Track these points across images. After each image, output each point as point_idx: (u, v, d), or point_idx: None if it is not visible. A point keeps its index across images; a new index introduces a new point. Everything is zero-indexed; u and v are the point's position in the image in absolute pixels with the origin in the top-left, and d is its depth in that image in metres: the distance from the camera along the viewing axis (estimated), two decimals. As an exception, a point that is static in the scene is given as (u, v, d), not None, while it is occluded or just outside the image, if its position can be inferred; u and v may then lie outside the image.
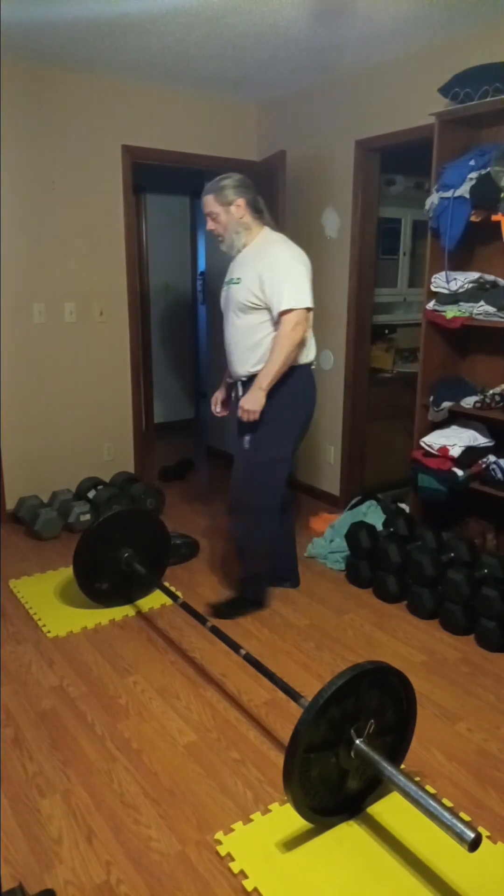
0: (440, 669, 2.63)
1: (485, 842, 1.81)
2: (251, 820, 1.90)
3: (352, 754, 1.79)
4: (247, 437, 2.78)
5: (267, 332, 2.73)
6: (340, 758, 1.79)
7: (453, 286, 3.15)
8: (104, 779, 2.05)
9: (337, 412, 4.29)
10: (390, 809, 1.92)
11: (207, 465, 5.45)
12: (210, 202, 2.77)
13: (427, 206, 3.16)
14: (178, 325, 6.62)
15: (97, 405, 4.27)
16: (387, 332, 4.72)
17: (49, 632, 2.87)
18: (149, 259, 6.25)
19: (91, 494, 4.00)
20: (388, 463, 4.53)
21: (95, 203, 4.00)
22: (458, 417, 3.38)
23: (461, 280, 3.13)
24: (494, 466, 3.13)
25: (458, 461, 3.20)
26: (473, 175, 2.92)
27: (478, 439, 3.25)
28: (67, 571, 3.34)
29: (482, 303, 3.03)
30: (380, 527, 3.44)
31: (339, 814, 1.89)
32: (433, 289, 3.26)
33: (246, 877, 1.72)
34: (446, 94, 3.04)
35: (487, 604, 2.72)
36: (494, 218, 2.91)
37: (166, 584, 3.01)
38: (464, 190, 2.95)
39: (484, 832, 1.86)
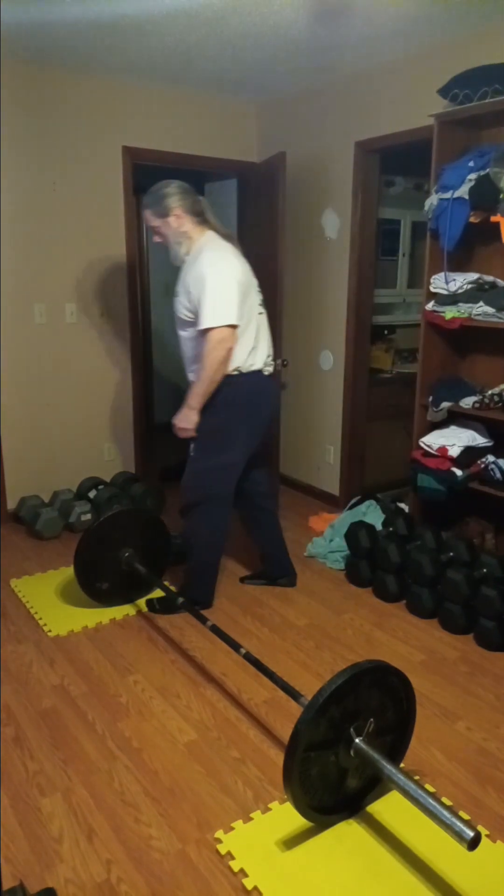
0: (439, 669, 2.64)
1: (484, 840, 1.82)
2: (251, 818, 1.91)
3: (351, 753, 1.79)
4: (192, 444, 2.81)
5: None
6: (340, 757, 1.80)
7: (452, 287, 3.15)
8: (105, 777, 2.06)
9: (337, 412, 4.30)
10: (390, 808, 1.93)
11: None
12: (148, 216, 2.77)
13: (426, 207, 3.16)
14: (178, 325, 6.61)
15: (98, 405, 4.27)
16: (386, 332, 4.73)
17: (50, 631, 2.88)
18: (149, 259, 6.25)
19: (92, 494, 4.01)
20: (388, 463, 4.54)
21: (96, 204, 4.01)
22: (457, 417, 3.39)
23: (460, 281, 3.14)
24: (493, 466, 3.14)
25: (457, 461, 3.21)
26: (472, 176, 2.93)
27: (477, 439, 3.26)
28: (68, 571, 3.35)
29: (481, 303, 3.04)
30: (379, 526, 3.44)
31: (339, 812, 1.89)
32: (432, 289, 3.26)
33: (246, 875, 1.73)
34: (445, 96, 3.05)
35: (487, 603, 2.73)
36: (493, 219, 2.92)
37: (166, 583, 3.02)
38: (463, 191, 2.95)
39: (483, 831, 1.86)
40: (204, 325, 2.60)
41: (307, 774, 1.76)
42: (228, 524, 2.98)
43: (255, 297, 2.81)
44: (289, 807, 1.83)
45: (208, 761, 2.13)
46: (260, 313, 2.84)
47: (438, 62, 3.27)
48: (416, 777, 2.00)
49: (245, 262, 2.78)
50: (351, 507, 3.94)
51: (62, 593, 3.21)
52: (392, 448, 4.54)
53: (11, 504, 4.05)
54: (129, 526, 3.00)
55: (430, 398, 3.35)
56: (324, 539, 3.71)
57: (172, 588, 2.98)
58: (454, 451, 3.21)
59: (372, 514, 3.69)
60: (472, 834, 1.52)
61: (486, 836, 1.85)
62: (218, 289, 2.59)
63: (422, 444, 3.36)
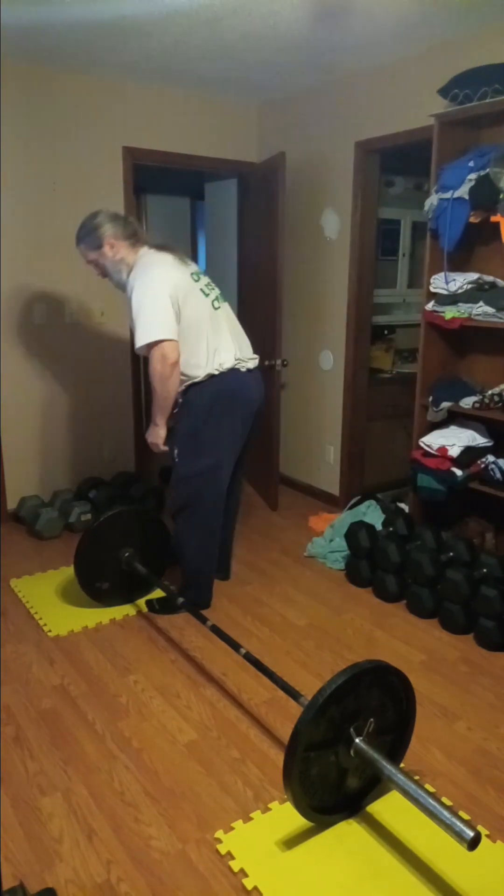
0: (439, 669, 2.64)
1: (484, 840, 1.82)
2: (251, 818, 1.91)
3: (351, 753, 1.79)
4: (175, 451, 2.81)
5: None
6: (340, 756, 1.80)
7: (452, 287, 3.15)
8: (105, 777, 2.06)
9: (337, 412, 4.30)
10: (390, 808, 1.93)
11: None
12: (83, 252, 2.77)
13: (426, 208, 3.16)
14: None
15: (98, 405, 4.27)
16: (386, 332, 4.72)
17: (50, 631, 2.88)
18: (149, 259, 6.24)
19: (92, 494, 4.00)
20: (388, 463, 4.54)
21: (96, 204, 3.96)
22: (456, 417, 3.39)
23: (460, 281, 3.14)
24: (493, 466, 3.14)
25: (457, 461, 3.21)
26: (472, 176, 2.93)
27: (477, 439, 3.26)
28: (68, 571, 3.35)
29: (481, 303, 3.04)
30: (379, 526, 3.44)
31: (339, 812, 1.89)
32: (432, 289, 3.26)
33: (246, 875, 1.73)
34: (445, 96, 3.05)
35: (486, 603, 2.73)
36: (493, 219, 2.92)
37: (166, 583, 3.02)
38: (463, 191, 2.95)
39: (483, 831, 1.86)
40: (137, 344, 2.59)
41: (307, 774, 1.76)
42: (219, 528, 2.98)
43: (206, 297, 2.73)
44: (289, 807, 1.83)
45: (208, 761, 2.13)
46: (217, 308, 2.76)
47: (438, 62, 3.27)
48: (416, 777, 2.00)
49: (185, 266, 2.71)
50: (351, 507, 3.94)
51: (62, 593, 3.21)
52: (392, 448, 4.54)
53: (11, 504, 4.06)
54: (129, 526, 3.00)
55: (430, 398, 3.35)
56: (324, 539, 3.71)
57: (172, 588, 2.98)
58: (454, 451, 3.21)
59: (372, 514, 3.69)
60: (472, 834, 1.52)
61: (486, 836, 1.85)
62: (145, 305, 2.57)
63: (422, 444, 3.36)
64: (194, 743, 2.21)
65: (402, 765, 2.00)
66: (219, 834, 1.86)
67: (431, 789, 2.00)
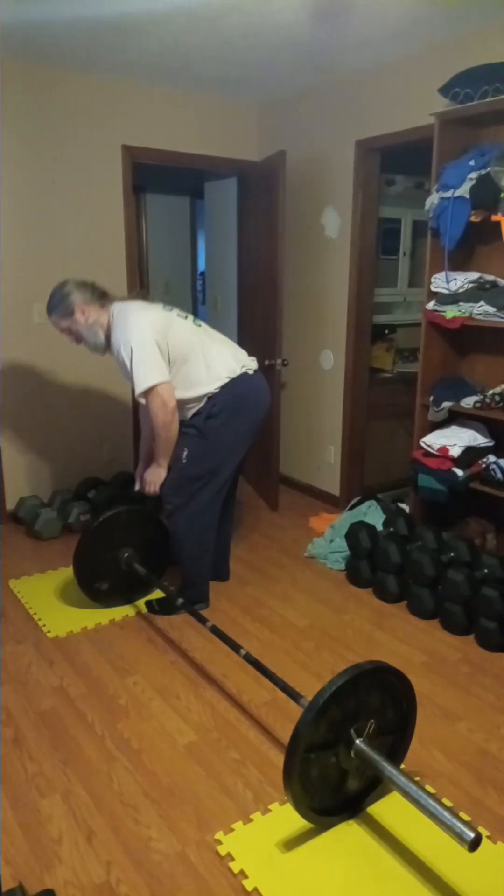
0: (440, 669, 2.63)
1: (485, 842, 1.81)
2: (251, 820, 1.91)
3: (352, 754, 1.79)
4: (184, 451, 2.81)
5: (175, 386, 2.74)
6: (340, 758, 1.79)
7: (453, 286, 3.15)
8: (104, 779, 2.06)
9: (337, 412, 4.29)
10: (390, 809, 1.92)
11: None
12: (56, 322, 2.82)
13: (427, 207, 3.16)
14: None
15: (97, 405, 4.27)
16: (387, 332, 4.72)
17: (49, 632, 2.87)
18: (149, 259, 6.24)
19: (91, 494, 4.00)
20: (388, 463, 4.53)
21: (95, 203, 4.00)
22: (457, 417, 3.38)
23: (461, 280, 3.13)
24: (494, 466, 3.13)
25: (457, 461, 3.20)
26: (473, 175, 2.93)
27: (477, 439, 3.25)
28: (67, 571, 3.34)
29: (482, 303, 3.03)
30: (380, 527, 3.43)
31: (339, 814, 1.89)
32: (433, 289, 3.26)
33: (246, 877, 1.72)
34: (446, 95, 3.04)
35: (487, 604, 2.72)
36: (494, 218, 2.91)
37: (166, 583, 3.01)
38: (464, 190, 2.95)
39: (484, 832, 1.86)
40: (138, 391, 2.66)
41: (307, 775, 1.75)
42: (216, 524, 2.99)
43: (185, 320, 2.80)
44: (289, 808, 1.82)
45: (208, 762, 2.13)
46: (199, 326, 2.84)
47: (438, 62, 3.26)
48: (417, 778, 1.99)
49: (153, 308, 2.76)
50: (351, 508, 3.93)
51: (61, 594, 3.20)
52: (393, 448, 4.54)
53: (10, 504, 4.05)
54: (129, 526, 2.99)
55: (431, 398, 3.34)
56: (324, 539, 3.71)
57: (172, 588, 2.97)
58: (455, 451, 3.21)
59: (372, 514, 3.68)
60: (472, 835, 1.52)
61: (487, 837, 1.84)
62: (134, 354, 2.62)
63: (422, 444, 3.35)
64: (194, 744, 2.21)
65: (402, 766, 1.99)
66: (219, 835, 1.85)
67: (432, 790, 1.99)
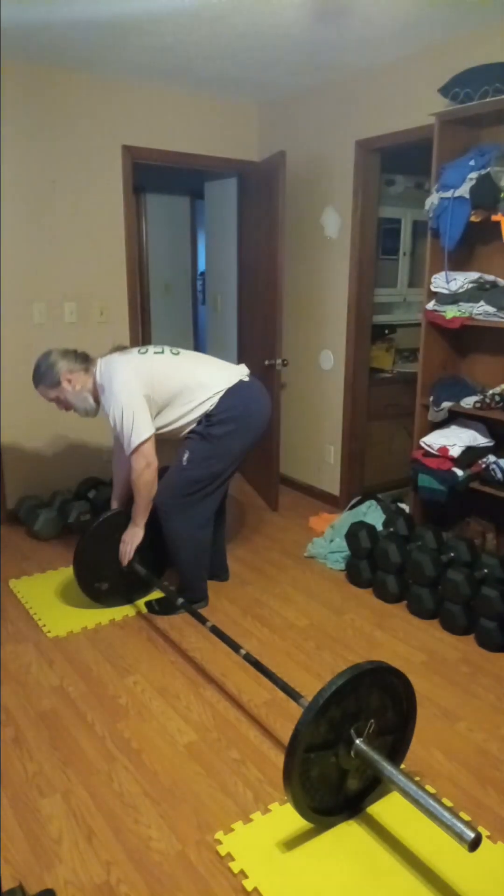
0: (440, 669, 2.63)
1: (485, 841, 1.81)
2: (251, 820, 1.91)
3: (352, 754, 1.79)
4: (185, 454, 2.84)
5: (163, 418, 2.81)
6: (340, 757, 1.79)
7: (453, 286, 3.15)
8: (104, 779, 2.06)
9: (337, 412, 4.29)
10: (390, 809, 1.92)
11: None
12: (44, 392, 2.85)
13: (427, 207, 3.16)
14: (178, 325, 6.62)
15: (97, 405, 4.27)
16: (387, 332, 4.72)
17: (49, 632, 2.87)
18: (149, 259, 6.25)
19: (91, 494, 4.00)
20: (388, 463, 4.53)
21: (95, 203, 4.00)
22: (457, 417, 3.38)
23: (461, 280, 3.13)
24: (494, 466, 3.13)
25: (457, 461, 3.20)
26: (473, 175, 2.93)
27: (478, 439, 3.25)
28: (67, 571, 3.34)
29: (482, 303, 3.03)
30: (380, 527, 3.43)
31: (339, 813, 1.89)
32: (433, 289, 3.26)
33: (246, 876, 1.72)
34: (446, 95, 3.04)
35: (487, 604, 2.72)
36: (494, 218, 2.91)
37: (166, 583, 3.01)
38: (464, 190, 2.95)
39: (484, 832, 1.86)
40: (127, 450, 2.73)
41: (307, 775, 1.75)
42: (212, 527, 3.00)
43: (161, 354, 2.83)
44: (289, 808, 1.82)
45: (208, 762, 2.13)
46: (177, 353, 2.86)
47: (438, 62, 3.26)
48: (417, 778, 1.99)
49: (132, 358, 2.79)
50: (351, 508, 3.93)
51: (61, 594, 3.20)
52: (392, 448, 4.54)
53: (10, 504, 4.05)
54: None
55: (431, 398, 3.34)
56: (324, 539, 3.71)
57: (172, 588, 2.97)
58: (455, 451, 3.21)
59: (372, 514, 3.68)
60: (472, 835, 1.52)
61: (487, 837, 1.84)
62: (126, 413, 2.68)
63: (422, 444, 3.35)
64: (194, 744, 2.21)
65: (402, 766, 1.99)
66: (219, 835, 1.85)
67: (432, 790, 1.99)
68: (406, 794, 1.68)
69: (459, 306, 3.12)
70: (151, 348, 2.86)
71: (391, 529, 3.32)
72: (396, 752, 1.95)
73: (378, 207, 4.05)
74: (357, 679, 1.74)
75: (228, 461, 2.86)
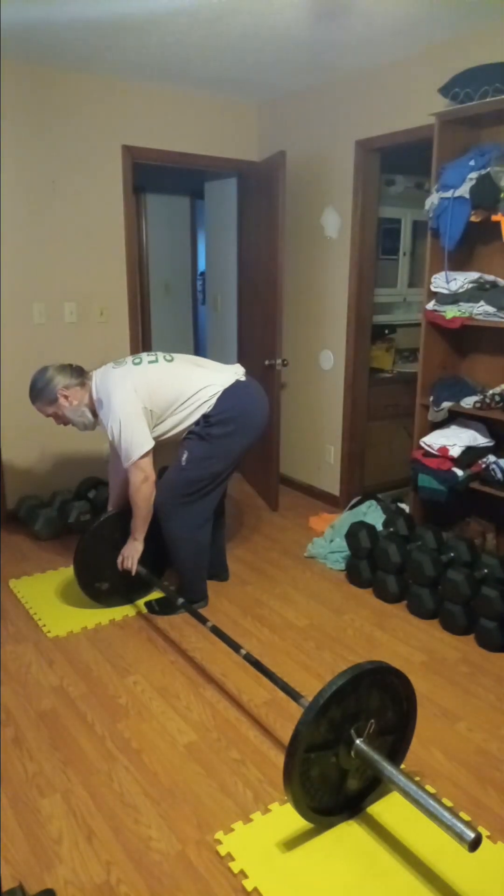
0: (440, 669, 2.63)
1: (485, 842, 1.81)
2: (251, 820, 1.91)
3: (352, 754, 1.79)
4: (185, 454, 2.84)
5: (163, 427, 2.82)
6: (341, 757, 1.79)
7: (453, 286, 3.15)
8: (104, 779, 2.06)
9: (337, 412, 4.29)
10: (390, 809, 1.92)
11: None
12: (41, 408, 2.87)
13: (427, 207, 3.16)
14: (178, 325, 6.62)
15: (97, 405, 4.27)
16: (387, 332, 4.72)
17: (49, 632, 2.87)
18: (149, 259, 6.25)
19: (91, 494, 4.00)
20: (388, 463, 4.53)
21: (95, 203, 4.00)
22: (457, 417, 3.38)
23: (461, 280, 3.13)
24: (494, 466, 3.13)
25: (457, 461, 3.20)
26: (473, 175, 2.92)
27: (478, 439, 3.25)
28: (67, 571, 3.34)
29: (482, 303, 3.03)
30: (380, 527, 3.43)
31: (340, 813, 1.89)
32: (433, 289, 3.26)
33: (246, 876, 1.72)
34: (446, 95, 3.04)
35: (487, 604, 2.72)
36: (494, 218, 2.91)
37: (166, 583, 3.01)
38: (464, 190, 2.95)
39: (484, 832, 1.86)
40: (126, 464, 2.73)
41: (307, 775, 1.75)
42: (211, 527, 3.00)
43: (156, 362, 2.82)
44: (289, 808, 1.82)
45: (208, 762, 2.13)
46: (170, 360, 2.86)
47: (438, 62, 3.26)
48: (417, 778, 1.99)
49: (127, 370, 2.79)
50: (351, 508, 3.93)
51: (61, 594, 3.20)
52: (392, 448, 4.54)
53: (10, 504, 4.05)
54: (129, 526, 2.98)
55: (431, 398, 3.34)
56: (324, 539, 3.71)
57: (172, 588, 2.97)
58: (455, 451, 3.21)
59: (372, 514, 3.68)
60: (472, 835, 1.52)
61: (487, 837, 1.84)
62: (124, 427, 2.68)
63: (422, 444, 3.35)
64: (194, 744, 2.21)
65: (402, 766, 1.99)
66: (219, 835, 1.85)
67: (432, 790, 1.99)
68: (406, 794, 1.68)
69: (459, 306, 3.12)
70: (145, 357, 2.85)
71: (391, 529, 3.32)
72: (396, 752, 1.95)
73: (378, 207, 4.05)
74: (357, 679, 1.74)
75: (227, 461, 2.86)
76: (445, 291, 3.18)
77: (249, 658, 2.26)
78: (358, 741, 1.78)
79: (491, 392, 3.17)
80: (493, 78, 2.87)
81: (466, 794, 2.01)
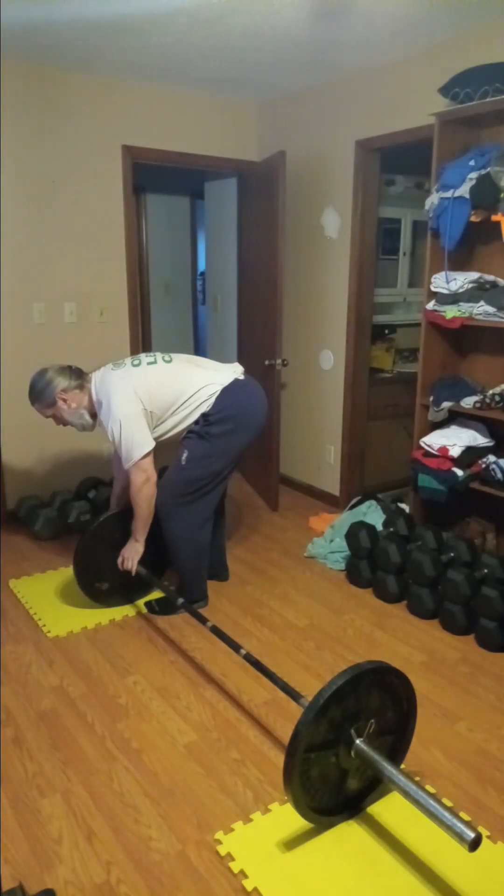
0: (440, 669, 2.63)
1: (485, 841, 1.81)
2: (251, 820, 1.91)
3: (352, 754, 1.79)
4: (185, 453, 2.84)
5: (163, 427, 2.82)
6: (341, 757, 1.79)
7: (453, 286, 3.15)
8: (104, 778, 2.06)
9: (337, 412, 4.29)
10: (390, 809, 1.92)
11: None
12: (40, 410, 2.89)
13: (427, 207, 3.16)
14: (178, 325, 6.62)
15: (97, 405, 4.26)
16: (387, 332, 4.72)
17: (49, 632, 2.87)
18: (149, 259, 6.25)
19: (91, 494, 4.00)
20: (388, 463, 4.53)
21: (95, 203, 4.00)
22: (457, 417, 3.38)
23: (461, 280, 3.13)
24: (494, 466, 3.13)
25: (457, 461, 3.20)
26: (473, 175, 2.92)
27: (478, 439, 3.25)
28: (67, 571, 3.34)
29: (482, 303, 3.03)
30: (380, 527, 3.43)
31: (340, 813, 1.89)
32: (433, 289, 3.26)
33: (246, 876, 1.72)
34: (446, 95, 3.04)
35: (487, 604, 2.72)
36: (494, 218, 2.91)
37: (166, 583, 3.01)
38: (464, 190, 2.95)
39: (484, 832, 1.86)
40: (127, 465, 2.74)
41: (307, 775, 1.75)
42: (211, 527, 3.00)
43: (154, 363, 2.83)
44: (289, 808, 1.82)
45: (208, 762, 2.13)
46: (169, 361, 2.86)
47: (438, 62, 3.26)
48: (417, 778, 1.99)
49: (126, 371, 2.79)
50: (351, 508, 3.93)
51: (61, 594, 3.20)
52: (392, 448, 4.54)
53: (10, 504, 4.05)
54: (129, 526, 2.98)
55: (431, 398, 3.34)
56: (324, 539, 3.71)
57: (172, 588, 2.97)
58: (455, 451, 3.21)
59: (372, 514, 3.68)
60: (472, 835, 1.52)
61: (487, 837, 1.84)
62: (124, 428, 2.69)
63: (422, 444, 3.35)
64: (194, 744, 2.21)
65: (402, 766, 1.99)
66: (219, 835, 1.85)
67: (432, 790, 1.99)
68: (406, 794, 1.68)
69: (459, 306, 3.12)
70: (144, 358, 2.86)
71: (391, 529, 3.32)
72: (396, 752, 1.95)
73: (378, 207, 4.05)
74: (357, 679, 1.74)
75: (227, 460, 2.86)
76: (445, 291, 3.18)
77: (249, 658, 2.26)
78: (358, 741, 1.78)
79: (491, 392, 3.17)
80: (493, 78, 2.87)
81: (466, 794, 2.01)
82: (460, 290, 3.13)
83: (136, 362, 2.84)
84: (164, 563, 3.15)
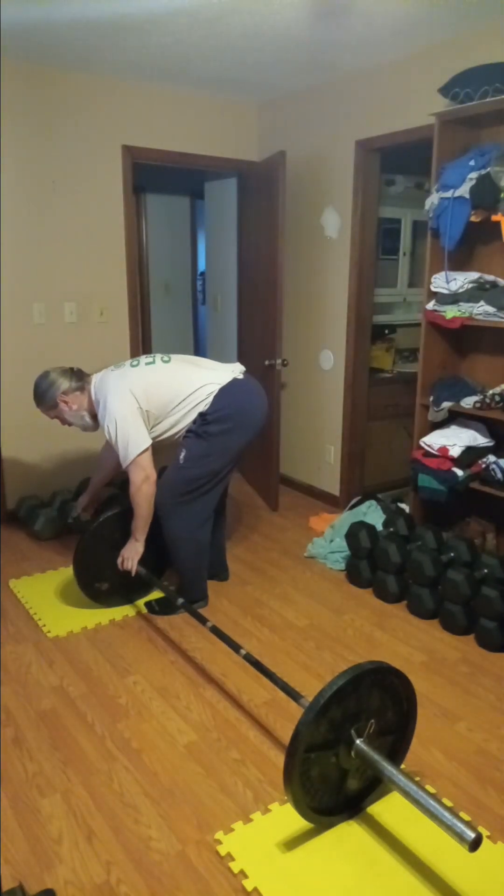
0: (440, 669, 2.63)
1: (485, 842, 1.81)
2: (251, 820, 1.91)
3: (352, 754, 1.79)
4: (182, 452, 2.85)
5: (161, 427, 2.83)
6: (341, 757, 1.79)
7: (453, 286, 3.15)
8: (104, 778, 2.06)
9: (337, 412, 4.29)
10: (390, 809, 1.92)
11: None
12: (44, 411, 2.92)
13: (427, 207, 3.16)
14: (178, 325, 6.61)
15: (97, 405, 4.26)
16: (387, 332, 4.72)
17: (49, 632, 2.87)
18: (149, 259, 6.25)
19: (91, 494, 3.99)
20: (388, 463, 4.53)
21: (95, 203, 4.00)
22: (457, 417, 3.38)
23: (461, 280, 3.13)
24: (494, 466, 3.13)
25: (457, 461, 3.20)
26: (473, 175, 2.92)
27: (478, 439, 3.25)
28: (67, 571, 3.34)
29: (482, 303, 3.03)
30: (380, 527, 3.43)
31: (340, 813, 1.89)
32: (433, 289, 3.26)
33: (246, 877, 1.72)
34: (446, 95, 3.04)
35: (487, 604, 2.72)
36: (494, 218, 2.91)
37: (166, 583, 3.01)
38: (464, 190, 2.95)
39: (484, 832, 1.86)
40: (125, 464, 2.75)
41: (308, 775, 1.75)
42: (211, 526, 3.00)
43: (153, 364, 2.84)
44: (289, 808, 1.82)
45: (208, 762, 2.13)
46: (167, 361, 2.87)
47: (438, 62, 3.26)
48: (417, 778, 1.99)
49: (125, 372, 2.81)
50: (351, 508, 3.93)
51: (61, 594, 3.20)
52: (392, 448, 4.54)
53: (10, 504, 4.05)
54: (129, 526, 2.98)
55: (431, 398, 3.34)
56: (324, 539, 3.71)
57: (172, 588, 2.97)
58: (455, 451, 3.21)
59: (372, 514, 3.68)
60: (473, 835, 1.52)
61: (487, 837, 1.84)
62: (120, 428, 2.70)
63: (422, 444, 3.35)
64: (194, 744, 2.21)
65: (402, 766, 1.99)
66: (219, 835, 1.85)
67: (432, 790, 1.99)
68: (406, 794, 1.68)
69: (459, 306, 3.12)
70: (143, 359, 2.87)
71: (391, 529, 3.32)
72: (396, 752, 1.95)
73: (378, 207, 4.05)
74: (357, 679, 1.74)
75: (226, 459, 2.86)
76: (445, 291, 3.18)
77: (249, 658, 2.26)
78: (358, 741, 1.78)
79: (491, 392, 3.17)
80: (492, 78, 2.87)
81: (466, 794, 2.01)
82: (460, 290, 3.13)
83: (134, 363, 2.85)
84: (164, 563, 3.15)
